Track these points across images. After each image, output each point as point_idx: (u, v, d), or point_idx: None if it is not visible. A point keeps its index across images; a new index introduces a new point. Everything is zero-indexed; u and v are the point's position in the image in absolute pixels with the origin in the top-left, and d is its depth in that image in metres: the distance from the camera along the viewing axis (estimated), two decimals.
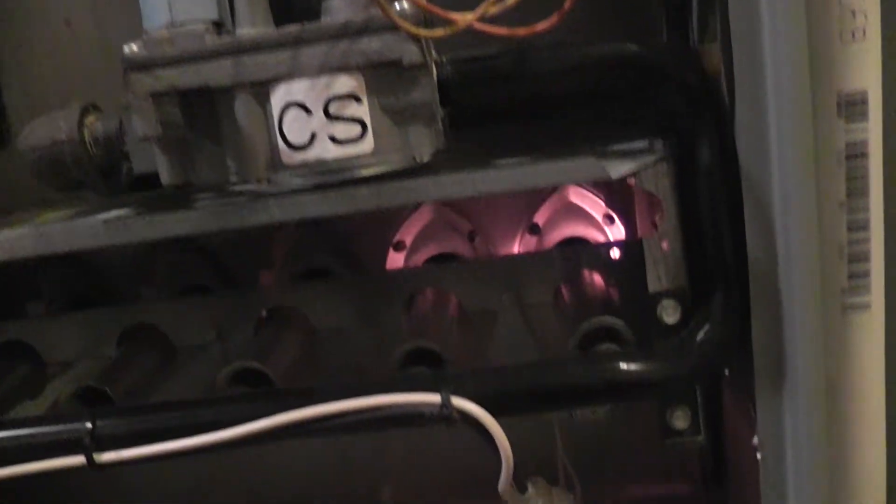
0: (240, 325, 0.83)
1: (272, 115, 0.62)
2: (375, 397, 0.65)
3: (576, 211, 0.90)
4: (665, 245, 0.68)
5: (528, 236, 0.91)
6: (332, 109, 0.61)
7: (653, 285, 0.69)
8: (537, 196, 0.90)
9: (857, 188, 0.61)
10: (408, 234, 0.92)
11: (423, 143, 0.63)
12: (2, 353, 0.85)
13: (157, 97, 0.62)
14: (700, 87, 0.64)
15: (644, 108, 0.72)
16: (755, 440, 0.67)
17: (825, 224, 0.61)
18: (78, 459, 0.68)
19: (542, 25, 0.62)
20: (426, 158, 0.63)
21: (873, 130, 0.60)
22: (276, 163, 0.63)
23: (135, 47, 0.63)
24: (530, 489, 0.71)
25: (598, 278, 0.80)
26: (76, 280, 0.94)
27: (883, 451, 0.63)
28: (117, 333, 0.85)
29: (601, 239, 0.88)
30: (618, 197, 0.89)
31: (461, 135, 0.67)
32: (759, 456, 0.67)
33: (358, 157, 0.62)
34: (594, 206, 0.90)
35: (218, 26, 0.63)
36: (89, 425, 0.68)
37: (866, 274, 0.62)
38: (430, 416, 0.65)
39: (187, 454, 0.67)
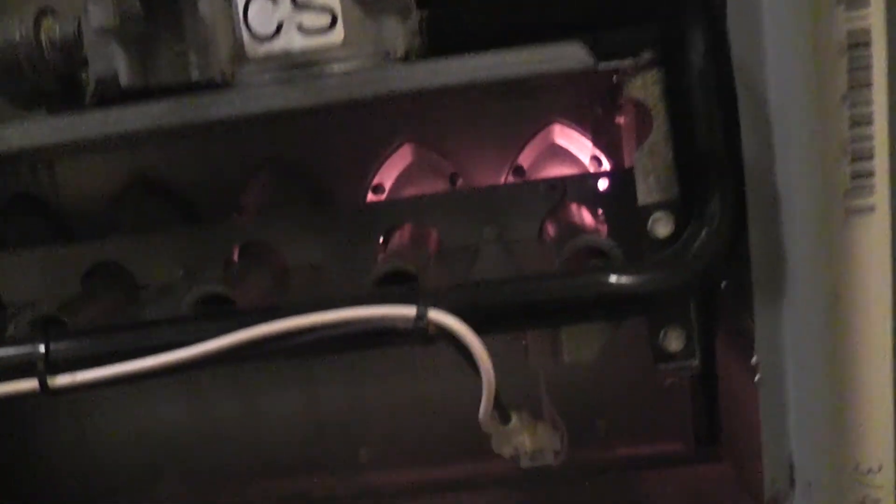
0: (210, 263, 0.78)
1: (237, 4, 0.59)
2: (345, 311, 0.60)
3: (561, 153, 0.87)
4: (656, 155, 0.64)
5: (511, 179, 0.87)
6: None
7: (643, 198, 0.65)
8: (521, 137, 0.86)
9: (859, 79, 0.57)
10: (387, 176, 0.88)
11: (397, 38, 0.59)
12: None
13: None
14: None
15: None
16: (753, 360, 0.63)
17: (826, 120, 0.58)
18: (30, 384, 0.63)
19: None
20: (400, 54, 0.60)
21: (875, 17, 0.56)
22: (240, 56, 0.59)
23: None
24: (514, 420, 0.66)
25: (585, 211, 0.76)
26: (41, 227, 0.90)
27: (889, 363, 0.59)
28: (81, 272, 0.80)
29: None
30: (605, 137, 0.85)
31: None
32: (756, 378, 0.63)
33: (327, 48, 0.58)
34: (581, 147, 0.86)
35: None
36: (42, 348, 0.64)
37: (870, 174, 0.58)
38: (404, 331, 0.60)
39: (147, 377, 0.62)
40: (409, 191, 0.87)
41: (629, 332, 0.70)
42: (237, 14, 0.59)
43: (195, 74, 0.61)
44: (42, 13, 0.66)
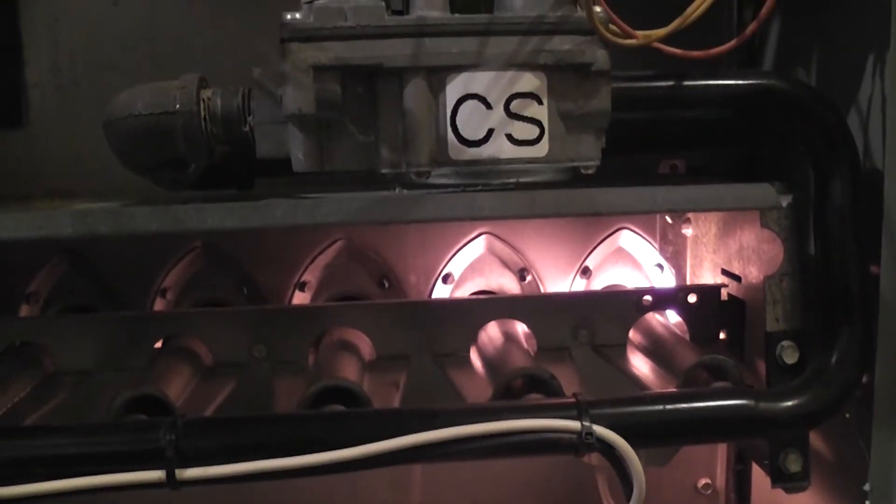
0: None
1: (445, 105, 0.58)
2: (510, 422, 0.60)
3: (626, 257, 0.90)
4: (785, 286, 0.68)
5: (580, 279, 0.89)
6: (514, 107, 0.58)
7: (771, 325, 0.68)
8: (590, 238, 0.89)
9: None
10: (457, 267, 0.88)
11: (591, 156, 0.61)
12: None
13: (318, 70, 0.57)
14: (840, 126, 0.65)
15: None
16: (866, 486, 0.67)
17: None
18: (156, 475, 0.59)
19: (718, 49, 0.62)
20: (591, 171, 0.61)
21: None
22: (441, 156, 0.58)
23: (298, 15, 0.57)
24: None
25: (676, 324, 0.80)
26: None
27: None
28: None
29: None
30: (671, 246, 0.89)
31: None
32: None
33: (532, 159, 0.59)
34: (645, 254, 0.89)
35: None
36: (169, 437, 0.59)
37: None
38: (568, 443, 0.61)
39: (292, 474, 0.59)
40: (478, 282, 0.88)
41: None
42: (444, 115, 0.58)
43: (382, 167, 0.59)
44: (203, 82, 0.63)
